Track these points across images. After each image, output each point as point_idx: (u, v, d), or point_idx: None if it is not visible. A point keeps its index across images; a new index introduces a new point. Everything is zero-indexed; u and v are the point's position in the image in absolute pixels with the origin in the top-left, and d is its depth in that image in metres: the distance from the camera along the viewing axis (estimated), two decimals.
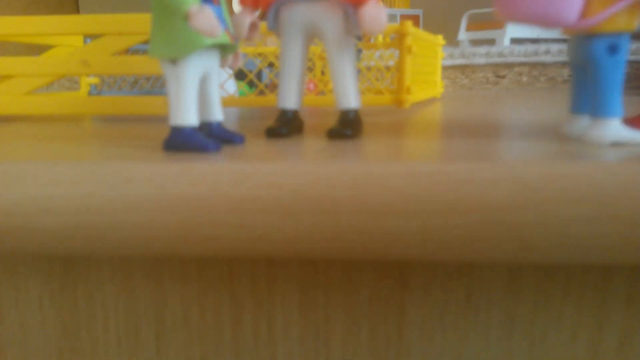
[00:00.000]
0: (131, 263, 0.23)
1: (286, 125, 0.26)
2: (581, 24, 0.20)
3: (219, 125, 0.23)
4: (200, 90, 0.21)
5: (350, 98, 0.24)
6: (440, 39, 0.46)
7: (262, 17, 0.26)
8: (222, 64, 0.23)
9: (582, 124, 0.22)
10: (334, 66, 0.24)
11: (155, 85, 0.61)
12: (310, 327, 0.23)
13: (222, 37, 0.20)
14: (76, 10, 1.14)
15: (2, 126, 0.31)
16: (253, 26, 0.26)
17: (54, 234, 0.19)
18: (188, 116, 0.20)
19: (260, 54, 0.56)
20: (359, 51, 0.49)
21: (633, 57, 0.56)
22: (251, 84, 0.56)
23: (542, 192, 0.17)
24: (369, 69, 0.37)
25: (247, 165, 0.18)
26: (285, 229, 0.18)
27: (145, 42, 0.34)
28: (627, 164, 0.17)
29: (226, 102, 0.33)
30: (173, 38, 0.19)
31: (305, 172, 0.18)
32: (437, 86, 0.46)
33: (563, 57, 0.57)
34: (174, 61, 0.20)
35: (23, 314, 0.24)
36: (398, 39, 0.32)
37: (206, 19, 0.19)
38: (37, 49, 0.52)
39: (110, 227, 0.19)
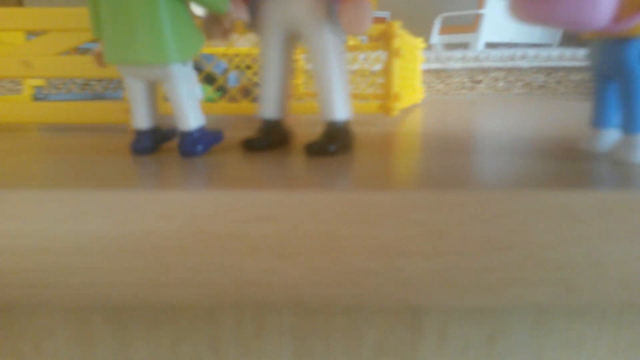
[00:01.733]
0: (88, 306, 0.19)
1: (266, 138, 0.22)
2: (613, 28, 0.17)
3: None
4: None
5: (337, 108, 0.21)
6: (420, 42, 0.44)
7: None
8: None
9: (607, 139, 0.20)
10: (318, 71, 0.21)
11: (108, 88, 0.56)
12: None
13: None
14: (19, 3, 1.05)
15: None
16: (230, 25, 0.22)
17: None
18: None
19: (225, 55, 0.52)
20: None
21: None
22: (219, 89, 0.51)
23: (591, 225, 0.14)
24: (352, 72, 0.34)
25: (229, 193, 0.14)
26: (279, 271, 0.15)
27: (94, 41, 0.30)
28: None
29: None
30: (189, 39, 0.19)
31: (302, 201, 0.14)
32: (417, 92, 0.44)
33: (539, 62, 0.56)
34: (185, 62, 0.19)
35: None
36: (385, 41, 0.30)
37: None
38: None
39: (58, 271, 0.15)
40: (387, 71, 0.30)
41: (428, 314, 0.18)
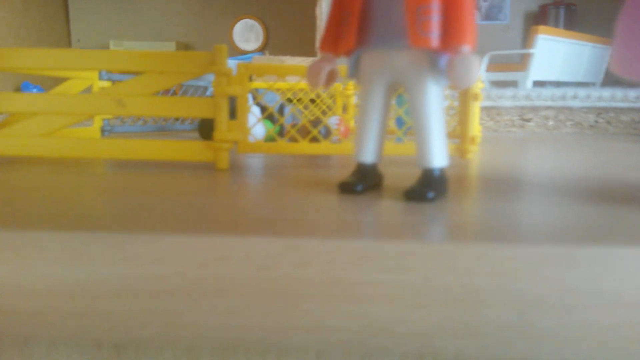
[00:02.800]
0: (200, 348, 0.19)
1: (362, 181, 0.23)
2: None
3: None
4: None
5: (434, 156, 0.21)
6: (479, 82, 0.44)
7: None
8: None
9: None
10: (418, 120, 0.21)
11: (169, 120, 0.57)
12: None
13: None
14: (67, 22, 1.10)
15: (14, 170, 0.27)
16: (332, 74, 0.23)
17: (114, 320, 0.16)
18: None
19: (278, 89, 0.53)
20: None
21: None
22: (272, 119, 0.52)
23: None
24: None
25: (366, 242, 0.15)
26: (412, 321, 0.15)
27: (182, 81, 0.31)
28: None
29: (274, 149, 0.30)
30: None
31: (438, 252, 0.15)
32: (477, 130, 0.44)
33: (590, 102, 0.56)
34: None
35: None
36: None
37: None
38: (44, 80, 0.49)
39: (185, 313, 0.16)
40: (463, 114, 0.30)
41: None
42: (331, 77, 0.23)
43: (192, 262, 0.15)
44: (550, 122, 0.57)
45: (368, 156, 0.23)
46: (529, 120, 0.57)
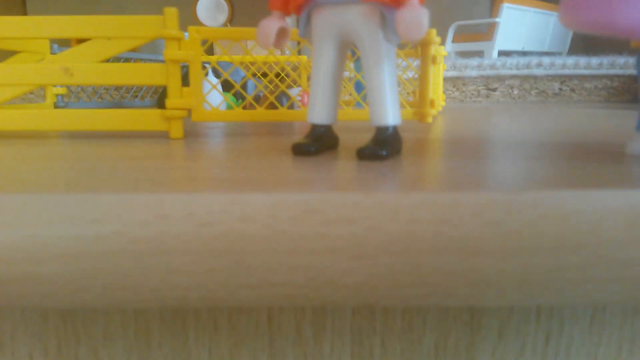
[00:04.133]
0: (147, 312, 0.19)
1: (316, 142, 0.22)
2: None
3: None
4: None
5: (388, 114, 0.21)
6: (442, 50, 0.44)
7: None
8: None
9: None
10: (370, 77, 0.21)
11: (126, 97, 0.56)
12: None
13: None
14: (23, 7, 1.06)
15: None
16: (282, 33, 0.22)
17: (56, 284, 0.15)
18: None
19: (241, 63, 0.52)
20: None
21: (622, 72, 0.56)
22: (237, 96, 0.52)
23: None
24: None
25: (310, 195, 0.15)
26: (354, 273, 0.15)
27: (133, 50, 0.30)
28: None
29: (231, 117, 0.29)
30: None
31: (383, 203, 0.15)
32: (441, 99, 0.44)
33: (554, 70, 0.57)
34: None
35: None
36: (421, 48, 0.30)
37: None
38: None
39: (138, 273, 0.15)
40: (422, 78, 0.30)
41: (487, 315, 0.18)
42: (282, 36, 0.22)
43: (132, 221, 0.15)
44: (515, 91, 0.58)
45: (321, 117, 0.22)
46: (494, 89, 0.58)
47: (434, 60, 0.30)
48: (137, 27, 0.27)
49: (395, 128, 0.22)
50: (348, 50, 0.23)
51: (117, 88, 0.58)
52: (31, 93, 0.63)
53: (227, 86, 0.52)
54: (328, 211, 0.15)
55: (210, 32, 0.27)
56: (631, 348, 0.19)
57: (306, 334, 0.19)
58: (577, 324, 0.18)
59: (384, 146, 0.21)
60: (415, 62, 0.35)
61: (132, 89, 0.55)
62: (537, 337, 0.19)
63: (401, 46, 0.36)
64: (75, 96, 0.49)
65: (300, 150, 0.22)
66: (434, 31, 0.30)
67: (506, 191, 0.15)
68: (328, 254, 0.15)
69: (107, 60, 0.29)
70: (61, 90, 0.48)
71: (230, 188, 0.15)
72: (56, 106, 0.46)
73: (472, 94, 0.58)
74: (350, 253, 0.15)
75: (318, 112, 0.22)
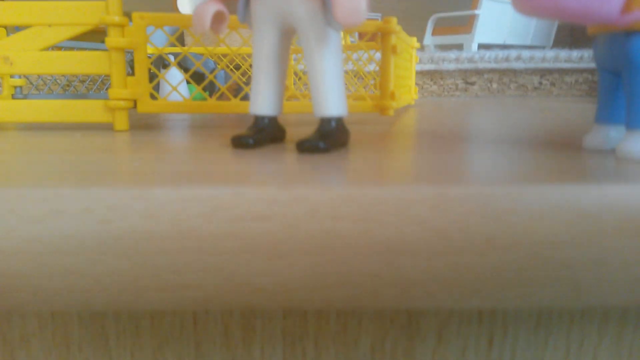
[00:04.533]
0: (65, 314, 0.18)
1: (257, 135, 0.21)
2: (620, 21, 0.17)
3: None
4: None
5: (331, 104, 0.20)
6: (414, 42, 0.43)
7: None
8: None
9: (610, 135, 0.19)
10: (311, 64, 0.20)
11: (92, 88, 0.54)
12: None
13: None
14: None
15: None
16: (220, 17, 0.21)
17: None
18: None
19: (214, 55, 0.51)
20: None
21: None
22: (207, 89, 0.50)
23: (602, 223, 0.13)
24: (346, 72, 0.33)
25: (220, 191, 0.13)
26: (271, 274, 0.14)
27: (76, 38, 0.28)
28: None
29: (180, 108, 0.28)
30: None
31: (301, 198, 0.13)
32: (412, 92, 0.43)
33: (534, 64, 0.56)
34: None
35: None
36: (381, 38, 0.29)
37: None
38: None
39: (34, 274, 0.14)
40: (383, 69, 0.29)
41: (425, 317, 0.17)
42: (219, 20, 0.21)
43: (24, 217, 0.13)
44: (494, 85, 0.57)
45: (264, 108, 0.21)
46: (472, 83, 0.56)
47: (394, 50, 0.28)
48: (79, 13, 0.25)
49: (340, 120, 0.21)
50: (293, 37, 0.22)
51: (82, 79, 0.56)
52: None
53: (197, 79, 0.51)
54: (241, 207, 0.14)
55: (156, 19, 0.25)
56: (578, 352, 0.18)
57: (235, 337, 0.18)
58: (522, 327, 0.17)
59: (325, 138, 0.20)
60: (377, 54, 0.34)
61: (98, 80, 0.53)
62: (480, 339, 0.18)
63: (361, 36, 0.35)
64: (36, 88, 0.48)
65: (238, 143, 0.21)
66: (394, 20, 0.29)
67: (433, 186, 0.14)
68: (241, 254, 0.14)
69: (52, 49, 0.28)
70: (19, 82, 0.46)
71: (135, 182, 0.14)
72: (14, 97, 0.45)
73: (450, 88, 0.57)
74: (265, 253, 0.14)
75: (260, 103, 0.21)
